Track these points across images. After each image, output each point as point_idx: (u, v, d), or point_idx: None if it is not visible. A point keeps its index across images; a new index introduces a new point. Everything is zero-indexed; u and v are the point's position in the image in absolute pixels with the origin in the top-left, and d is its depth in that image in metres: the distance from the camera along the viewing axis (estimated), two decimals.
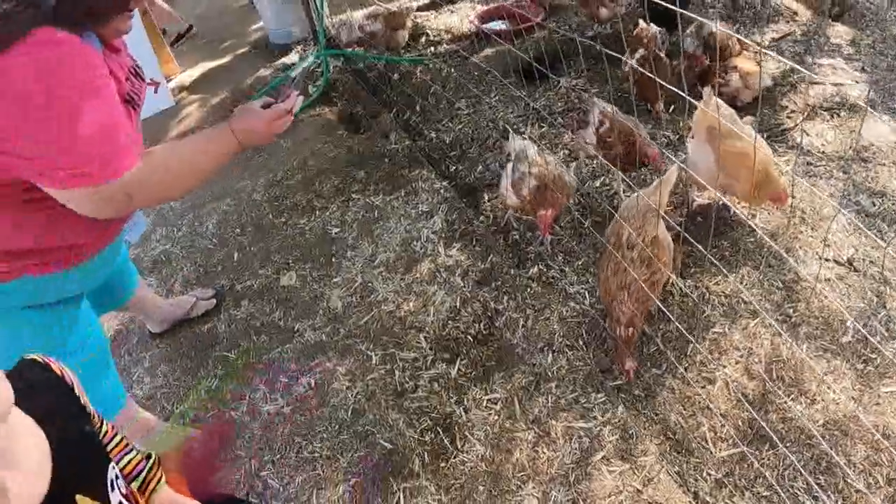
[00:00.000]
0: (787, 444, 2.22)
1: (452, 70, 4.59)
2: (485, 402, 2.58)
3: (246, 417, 2.80)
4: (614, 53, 2.10)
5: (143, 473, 1.46)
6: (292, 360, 2.96)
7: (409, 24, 4.91)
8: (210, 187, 3.98)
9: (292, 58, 5.47)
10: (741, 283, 2.80)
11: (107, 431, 1.36)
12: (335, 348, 2.94)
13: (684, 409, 2.42)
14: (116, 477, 1.29)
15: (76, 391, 1.24)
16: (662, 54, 3.65)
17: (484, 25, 4.96)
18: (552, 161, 2.93)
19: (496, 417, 2.52)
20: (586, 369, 2.58)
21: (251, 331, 3.15)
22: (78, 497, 1.14)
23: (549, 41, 4.42)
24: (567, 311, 2.79)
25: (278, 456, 2.63)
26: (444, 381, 2.69)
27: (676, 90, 1.73)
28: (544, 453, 2.38)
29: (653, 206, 2.44)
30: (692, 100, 1.92)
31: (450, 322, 2.89)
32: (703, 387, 2.46)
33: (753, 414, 2.30)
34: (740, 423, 2.34)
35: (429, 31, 5.22)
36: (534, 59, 3.78)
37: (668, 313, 2.39)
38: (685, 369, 2.52)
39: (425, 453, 2.47)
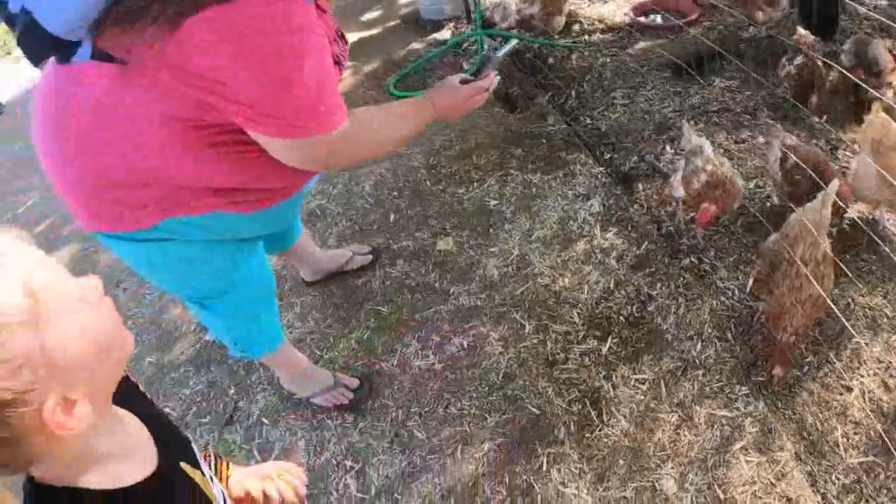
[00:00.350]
0: None
1: (608, 59, 4.65)
2: (632, 380, 2.68)
3: (396, 370, 2.95)
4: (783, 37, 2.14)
5: (212, 464, 1.55)
6: (446, 321, 3.10)
7: (566, 9, 4.98)
8: None
9: (444, 34, 5.60)
10: (885, 297, 2.84)
11: None
12: (489, 314, 3.07)
13: (821, 413, 2.48)
14: (198, 454, 1.38)
15: (140, 387, 1.32)
16: (820, 63, 3.69)
17: (638, 18, 5.02)
18: (727, 163, 2.99)
19: (642, 397, 2.62)
20: (732, 361, 2.66)
21: (405, 289, 3.30)
22: (182, 464, 1.24)
23: (705, 39, 4.47)
24: (717, 305, 2.86)
25: (426, 409, 2.78)
26: (594, 356, 2.80)
27: (878, 94, 1.81)
28: (685, 436, 2.47)
29: (824, 220, 2.53)
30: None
31: (603, 301, 3.00)
32: (840, 393, 2.52)
33: None
34: (872, 434, 2.38)
35: (582, 20, 5.28)
36: (690, 56, 3.87)
37: (845, 323, 2.46)
38: (825, 374, 2.58)
39: (571, 423, 2.59)
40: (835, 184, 2.63)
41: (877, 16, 4.12)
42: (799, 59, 3.67)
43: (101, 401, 1.04)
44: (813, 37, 3.76)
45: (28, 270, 0.93)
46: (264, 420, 2.95)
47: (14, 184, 5.30)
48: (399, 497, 2.56)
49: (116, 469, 1.07)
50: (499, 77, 2.30)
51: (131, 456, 1.12)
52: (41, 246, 1.00)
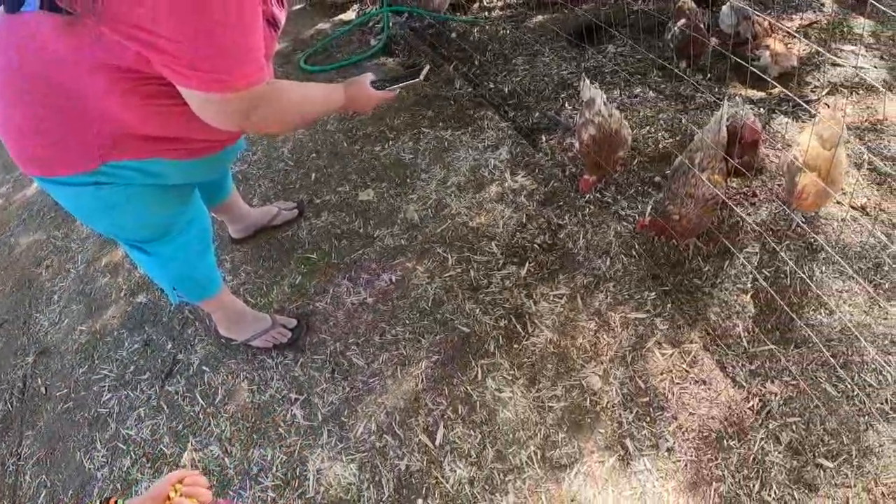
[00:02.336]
0: (811, 345, 2.55)
1: (507, 32, 4.91)
2: (551, 296, 2.92)
3: (330, 307, 3.11)
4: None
5: None
6: (373, 261, 3.27)
7: None
8: None
9: (349, 15, 5.81)
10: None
11: None
12: (414, 251, 3.27)
13: (722, 312, 2.75)
14: None
15: None
16: (702, 25, 4.00)
17: None
18: (616, 115, 3.20)
19: (562, 309, 2.86)
20: (639, 273, 2.93)
21: (332, 237, 3.46)
22: None
23: (596, 11, 4.72)
24: (621, 228, 3.12)
25: (362, 339, 2.95)
26: (514, 279, 3.03)
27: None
28: (604, 339, 2.73)
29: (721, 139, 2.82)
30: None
31: (517, 233, 3.23)
32: (737, 296, 2.80)
33: (795, 315, 2.64)
34: (769, 327, 2.66)
35: None
36: (584, 26, 4.16)
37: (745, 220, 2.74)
38: (722, 281, 2.86)
39: (500, 336, 2.82)
40: (725, 106, 2.91)
41: None
42: (682, 22, 3.98)
43: None
44: (695, 4, 4.10)
45: None
46: (205, 368, 3.03)
47: None
48: (346, 420, 2.70)
49: None
50: (428, 67, 2.55)
51: None
52: None
